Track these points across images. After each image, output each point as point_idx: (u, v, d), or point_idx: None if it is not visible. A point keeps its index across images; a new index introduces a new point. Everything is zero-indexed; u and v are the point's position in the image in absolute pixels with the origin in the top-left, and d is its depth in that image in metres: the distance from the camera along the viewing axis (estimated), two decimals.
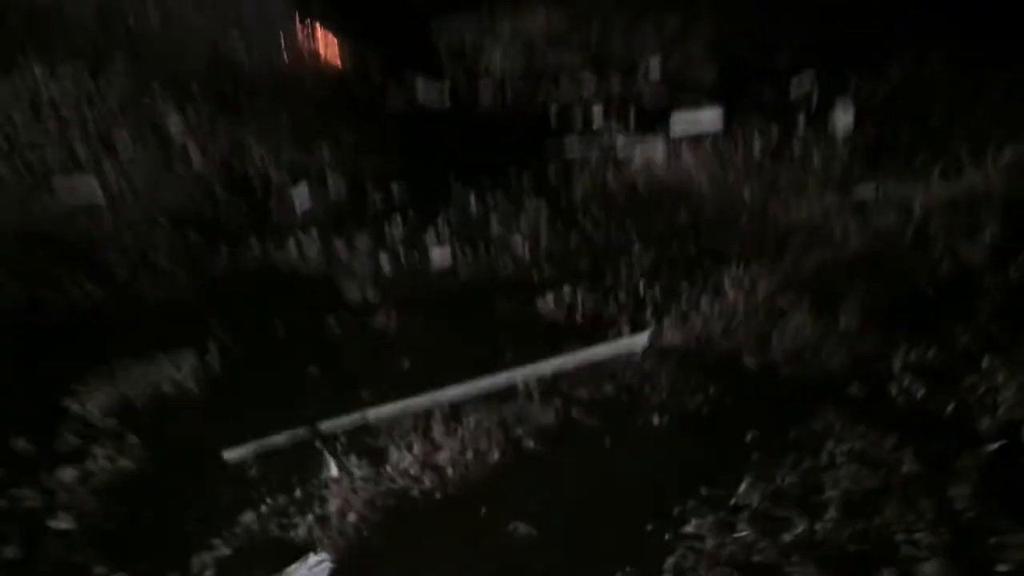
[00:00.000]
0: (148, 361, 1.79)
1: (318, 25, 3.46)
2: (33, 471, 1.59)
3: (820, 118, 3.28)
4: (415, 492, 1.55)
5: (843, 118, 3.31)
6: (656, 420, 1.75)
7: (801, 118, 3.26)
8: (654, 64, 3.64)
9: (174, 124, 2.64)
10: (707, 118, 3.17)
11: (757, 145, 3.03)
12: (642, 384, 1.85)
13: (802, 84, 3.54)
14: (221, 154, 2.56)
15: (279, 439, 1.60)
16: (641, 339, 1.96)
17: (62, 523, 1.50)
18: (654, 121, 3.05)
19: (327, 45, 3.36)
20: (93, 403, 1.69)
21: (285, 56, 3.28)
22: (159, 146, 2.54)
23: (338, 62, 3.27)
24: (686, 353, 1.97)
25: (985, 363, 2.05)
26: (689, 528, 1.52)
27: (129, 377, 1.73)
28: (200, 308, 1.91)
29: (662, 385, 1.86)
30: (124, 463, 1.62)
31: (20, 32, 3.08)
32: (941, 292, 2.36)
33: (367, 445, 1.63)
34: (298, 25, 3.45)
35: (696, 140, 2.97)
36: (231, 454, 1.58)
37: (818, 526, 1.54)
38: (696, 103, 3.26)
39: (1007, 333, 2.22)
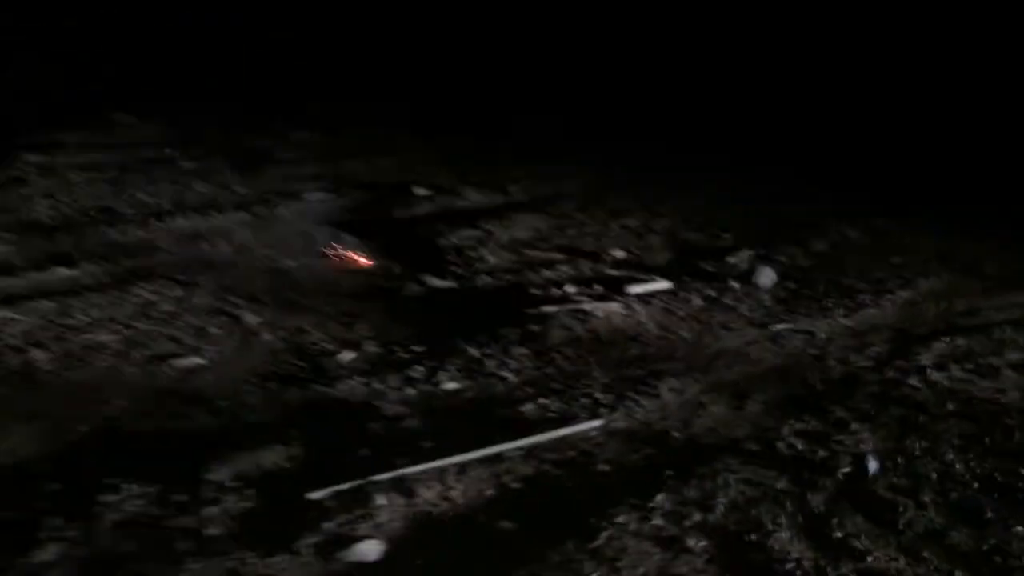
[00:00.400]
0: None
1: (352, 243, 4.49)
2: None
3: (749, 279, 4.16)
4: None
5: (769, 278, 4.19)
6: (606, 468, 2.47)
7: (734, 281, 4.14)
8: (618, 254, 4.60)
9: (248, 316, 3.53)
10: (658, 285, 4.06)
11: (697, 299, 3.89)
12: (593, 450, 2.58)
13: (739, 259, 4.47)
14: (285, 334, 3.42)
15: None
16: (596, 423, 2.71)
17: None
18: (614, 289, 3.93)
19: (358, 255, 4.34)
20: None
21: (327, 265, 4.25)
22: (240, 331, 3.40)
23: (367, 265, 4.23)
24: (628, 432, 2.70)
25: (853, 427, 2.78)
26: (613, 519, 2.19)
27: None
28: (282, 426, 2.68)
29: (610, 450, 2.58)
30: None
31: (128, 259, 4.11)
32: (828, 386, 3.11)
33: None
34: (336, 245, 4.47)
35: (647, 298, 3.84)
36: None
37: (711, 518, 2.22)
38: (649, 277, 4.17)
39: (878, 409, 2.95)
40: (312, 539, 2.09)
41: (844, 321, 3.70)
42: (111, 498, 2.19)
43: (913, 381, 3.14)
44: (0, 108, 7.77)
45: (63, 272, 3.88)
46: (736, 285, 4.07)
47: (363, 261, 4.29)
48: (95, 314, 3.43)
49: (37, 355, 3.05)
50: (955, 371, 3.23)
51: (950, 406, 2.98)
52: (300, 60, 10.08)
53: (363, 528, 2.15)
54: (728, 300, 3.90)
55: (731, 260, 4.41)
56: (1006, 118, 6.51)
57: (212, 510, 2.17)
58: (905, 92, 7.57)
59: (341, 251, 4.36)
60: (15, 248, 4.17)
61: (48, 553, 2.00)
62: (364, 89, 8.75)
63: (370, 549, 2.06)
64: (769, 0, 8.52)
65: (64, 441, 2.50)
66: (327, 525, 2.15)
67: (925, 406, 2.99)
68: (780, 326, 3.62)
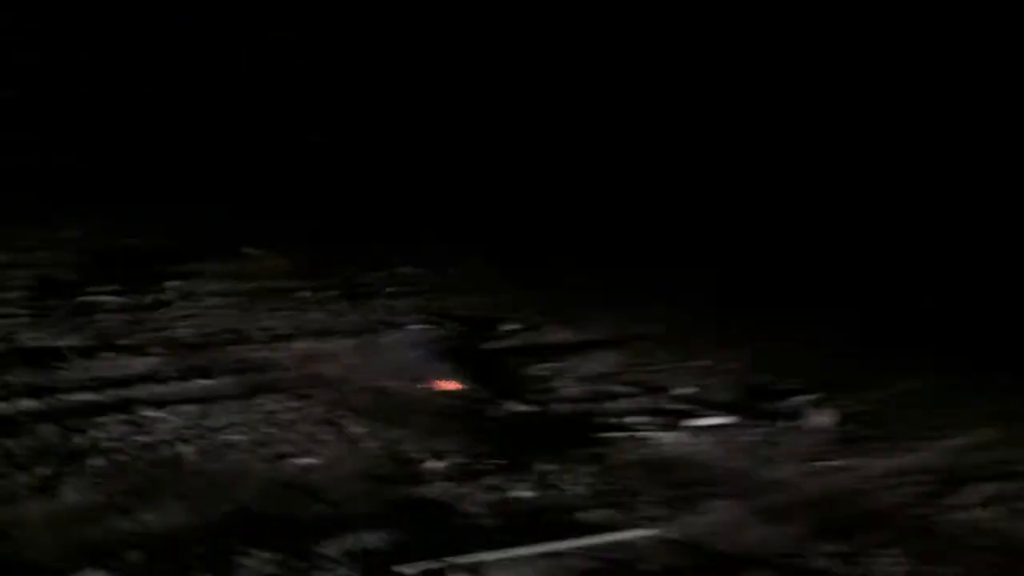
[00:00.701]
0: None
1: (445, 370, 5.08)
2: None
3: (804, 420, 4.51)
4: None
5: (821, 420, 4.53)
6: (656, 568, 2.86)
7: (789, 420, 4.50)
8: (685, 389, 5.03)
9: (352, 427, 4.10)
10: (717, 420, 4.46)
11: (751, 435, 4.26)
12: (645, 554, 2.97)
13: (797, 402, 4.84)
14: (384, 444, 3.95)
15: None
16: (650, 532, 3.11)
17: None
18: (677, 420, 4.35)
19: (449, 380, 4.92)
20: None
21: (422, 387, 4.82)
22: (346, 439, 3.96)
23: (457, 389, 4.79)
24: (679, 542, 3.09)
25: (885, 552, 3.09)
26: None
27: None
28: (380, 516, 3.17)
29: (661, 556, 2.97)
30: None
31: (255, 375, 4.78)
32: (867, 516, 3.43)
33: None
34: (431, 370, 5.07)
35: (706, 430, 4.25)
36: None
37: None
38: (711, 412, 4.57)
39: (912, 537, 3.24)
40: None
41: (889, 462, 4.00)
42: (246, 561, 2.70)
43: (955, 516, 3.42)
44: (146, 244, 8.92)
45: (202, 383, 4.57)
46: (790, 424, 4.42)
47: (453, 385, 4.84)
48: (229, 418, 4.05)
49: (183, 449, 3.67)
50: (999, 511, 3.49)
51: (987, 542, 3.25)
52: (407, 202, 11.13)
53: None
54: (781, 438, 4.25)
55: (790, 402, 4.77)
56: None
57: None
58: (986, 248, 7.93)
59: (435, 376, 4.93)
60: (164, 361, 4.91)
61: None
62: (467, 231, 9.63)
63: None
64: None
65: (206, 517, 3.05)
66: None
67: (961, 539, 3.26)
68: (824, 463, 3.94)
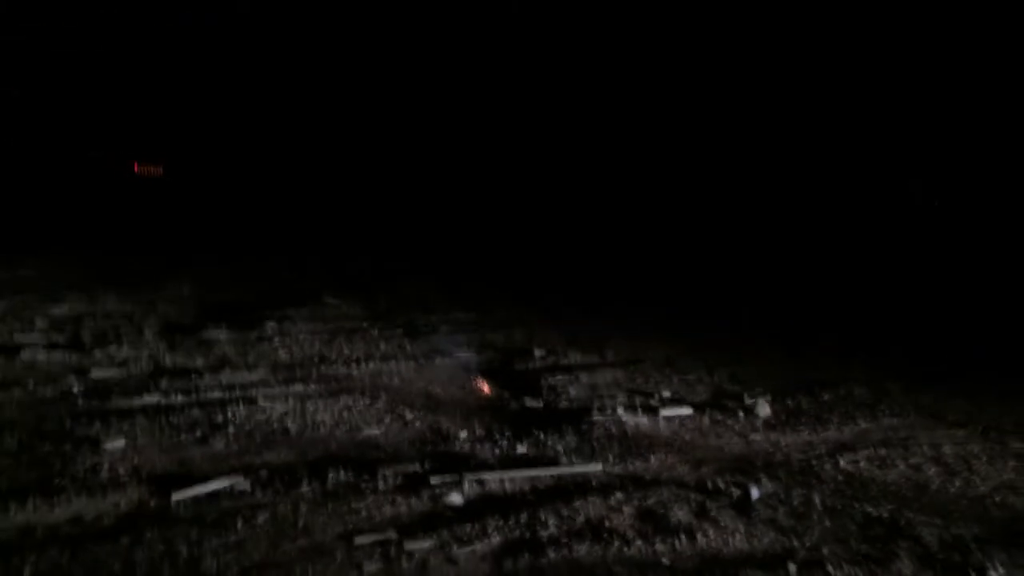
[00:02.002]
0: None
1: (481, 381, 6.59)
2: None
3: (752, 412, 5.86)
4: None
5: (764, 411, 5.87)
6: (594, 484, 4.29)
7: (741, 412, 5.86)
8: (666, 394, 6.42)
9: (408, 414, 5.62)
10: (681, 411, 5.84)
11: (706, 421, 5.63)
12: (594, 480, 4.39)
13: (754, 400, 6.18)
14: (429, 424, 5.46)
15: None
16: (600, 467, 4.52)
17: None
18: (651, 412, 5.76)
19: (483, 386, 6.42)
20: None
21: (462, 393, 6.33)
22: (402, 421, 5.48)
23: (488, 393, 6.28)
24: (622, 475, 4.49)
25: (774, 481, 4.45)
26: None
27: None
28: (420, 461, 4.68)
29: (603, 479, 4.39)
30: None
31: (337, 384, 6.37)
32: (770, 465, 4.77)
33: None
34: (470, 381, 6.58)
35: (671, 417, 5.63)
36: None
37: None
38: (679, 407, 5.96)
39: (788, 475, 4.58)
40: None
41: (805, 437, 5.34)
42: (332, 476, 4.25)
43: (826, 466, 4.75)
44: (250, 295, 10.82)
45: (300, 387, 6.19)
46: (741, 414, 5.79)
47: (486, 390, 6.36)
48: (319, 408, 5.64)
49: (290, 424, 5.27)
50: (861, 464, 4.81)
51: (839, 478, 4.57)
52: (457, 259, 12.92)
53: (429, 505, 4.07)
54: (729, 422, 5.62)
55: (747, 401, 6.12)
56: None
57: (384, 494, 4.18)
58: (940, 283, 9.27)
59: (472, 384, 6.46)
60: (270, 374, 6.57)
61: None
62: (510, 279, 11.32)
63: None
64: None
65: (306, 457, 4.62)
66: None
67: (821, 476, 4.59)
68: (756, 436, 5.31)
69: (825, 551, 3.66)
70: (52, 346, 7.21)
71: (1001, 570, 3.54)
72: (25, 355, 6.79)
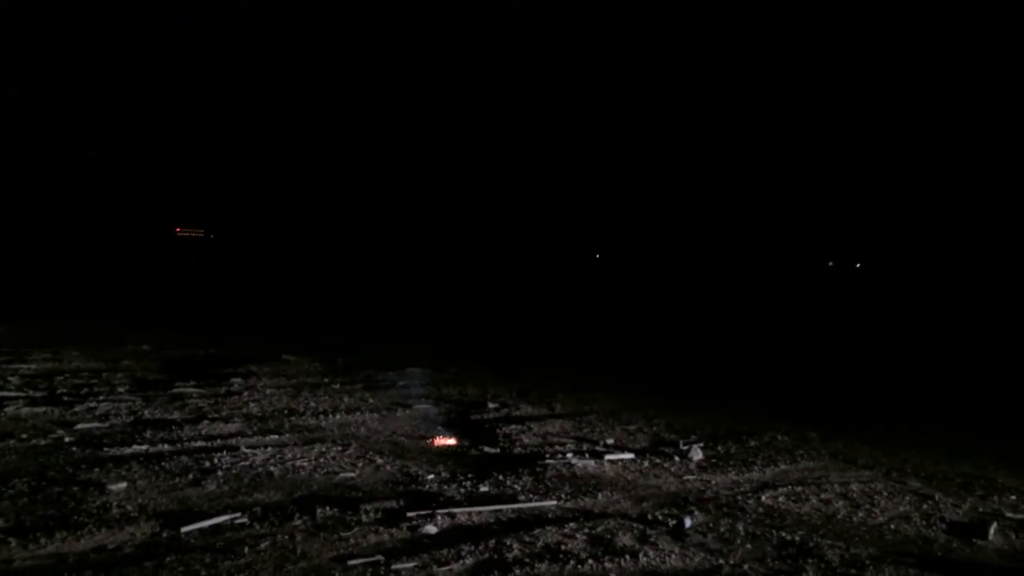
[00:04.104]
0: None
1: (442, 431, 7.19)
2: None
3: (686, 455, 6.57)
4: None
5: (697, 455, 6.60)
6: (552, 516, 4.92)
7: (677, 456, 6.57)
8: (610, 440, 7.11)
9: (378, 459, 6.19)
10: (624, 455, 6.53)
11: (645, 464, 6.32)
12: (547, 513, 5.03)
13: (689, 447, 6.90)
14: (399, 467, 6.04)
15: None
16: (554, 503, 5.16)
17: None
18: (597, 456, 6.43)
19: (445, 437, 7.01)
20: None
21: (426, 442, 6.92)
22: (373, 465, 6.05)
23: (449, 443, 6.89)
24: (574, 509, 5.13)
25: (704, 515, 5.15)
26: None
27: None
28: (393, 499, 5.26)
29: (557, 513, 5.02)
30: None
31: (309, 433, 6.90)
32: (702, 502, 5.47)
33: None
34: (432, 431, 7.17)
35: (614, 461, 6.31)
36: None
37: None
38: (622, 452, 6.64)
39: (717, 509, 5.28)
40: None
41: (733, 477, 6.06)
42: (319, 512, 4.80)
43: (750, 501, 5.47)
44: (212, 354, 11.28)
45: (274, 437, 6.72)
46: (677, 459, 6.50)
47: (448, 440, 6.97)
48: (296, 455, 6.18)
49: (272, 469, 5.79)
50: (780, 499, 5.54)
51: (760, 511, 5.29)
52: (410, 321, 13.59)
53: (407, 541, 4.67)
54: (666, 465, 6.33)
55: (682, 447, 6.85)
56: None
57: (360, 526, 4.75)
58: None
59: (435, 434, 7.06)
60: (245, 425, 7.07)
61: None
62: (463, 343, 12.03)
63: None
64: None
65: (291, 496, 5.16)
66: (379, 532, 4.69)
67: (745, 509, 5.30)
68: (689, 476, 6.01)
69: (746, 567, 4.34)
70: (32, 401, 7.60)
71: None
72: (9, 410, 7.17)
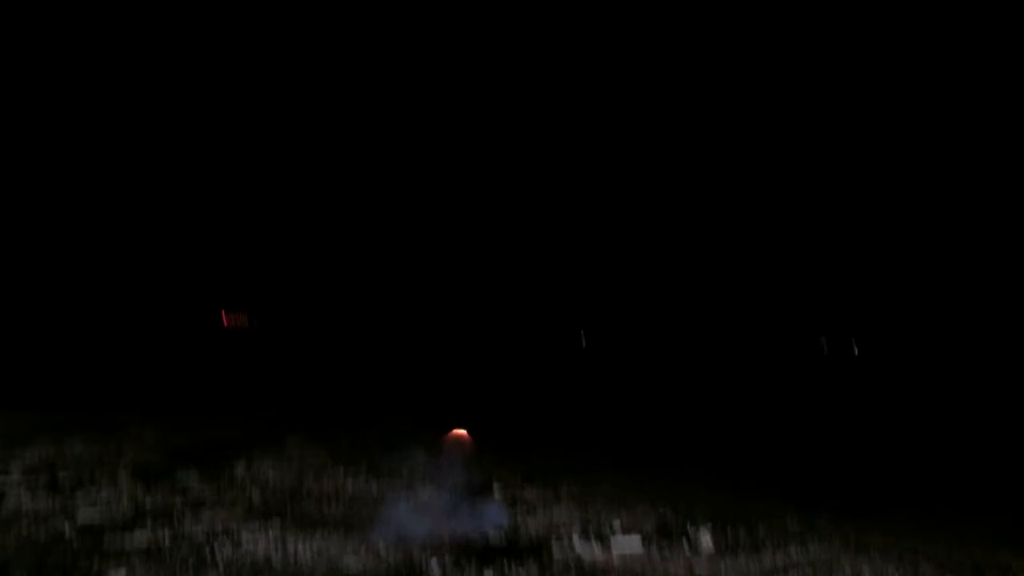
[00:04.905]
0: None
1: (450, 516, 7.10)
2: None
3: (697, 545, 6.47)
4: None
5: (708, 545, 6.50)
6: None
7: (685, 544, 6.47)
8: (616, 523, 7.00)
9: (380, 545, 6.11)
10: (632, 546, 6.43)
11: (655, 553, 6.23)
12: None
13: (698, 532, 6.80)
14: (406, 553, 5.94)
15: None
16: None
17: None
18: (604, 545, 6.33)
19: (452, 521, 6.92)
20: None
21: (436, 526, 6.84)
22: (377, 553, 5.96)
23: (458, 529, 6.80)
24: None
25: None
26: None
27: None
28: None
29: None
30: None
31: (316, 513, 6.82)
32: None
33: None
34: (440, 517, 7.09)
35: (624, 553, 6.22)
36: None
37: None
38: (629, 541, 6.54)
39: None
40: None
41: (743, 565, 5.96)
42: None
43: None
44: (212, 434, 11.22)
45: (276, 524, 6.63)
46: (686, 544, 6.40)
47: (452, 528, 6.88)
48: (299, 543, 6.09)
49: (272, 556, 5.71)
50: None
51: None
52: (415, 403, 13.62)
53: None
54: (674, 552, 6.23)
55: (691, 532, 6.74)
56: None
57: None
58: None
59: (439, 521, 6.98)
60: (248, 513, 6.99)
61: None
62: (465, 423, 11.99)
63: None
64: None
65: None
66: None
67: None
68: (699, 566, 5.92)
69: None
70: (33, 490, 7.53)
71: None
72: (10, 502, 7.10)
